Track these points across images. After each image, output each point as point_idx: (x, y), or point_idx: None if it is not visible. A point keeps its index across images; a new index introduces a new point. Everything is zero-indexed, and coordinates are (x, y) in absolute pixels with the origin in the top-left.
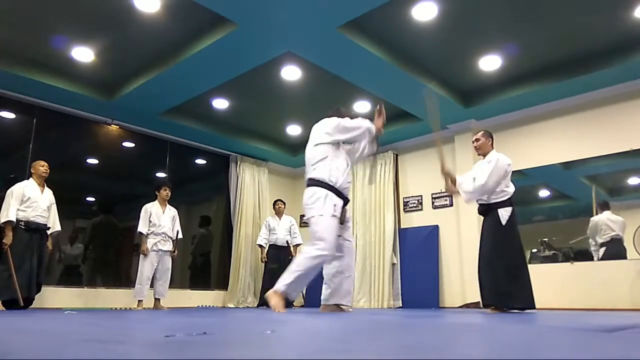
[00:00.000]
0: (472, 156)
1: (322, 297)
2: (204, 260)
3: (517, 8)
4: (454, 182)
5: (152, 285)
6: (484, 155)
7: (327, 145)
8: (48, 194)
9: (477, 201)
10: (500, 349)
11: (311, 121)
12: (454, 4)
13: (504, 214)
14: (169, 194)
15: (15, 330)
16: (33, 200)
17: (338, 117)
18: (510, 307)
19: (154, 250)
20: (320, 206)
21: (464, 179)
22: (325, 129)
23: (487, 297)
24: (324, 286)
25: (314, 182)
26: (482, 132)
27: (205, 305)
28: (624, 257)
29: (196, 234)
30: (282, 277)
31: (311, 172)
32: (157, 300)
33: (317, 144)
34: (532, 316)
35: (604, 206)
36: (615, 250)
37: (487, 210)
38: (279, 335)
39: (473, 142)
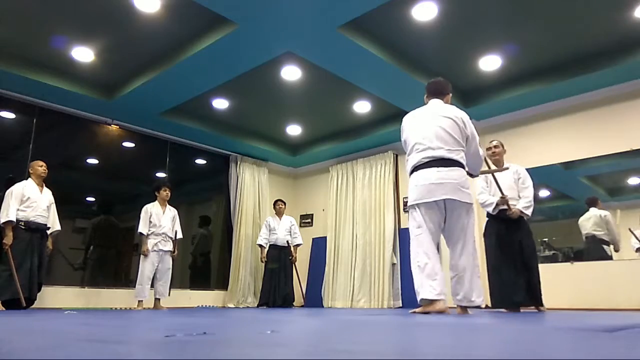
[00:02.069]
0: None
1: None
2: (203, 260)
3: (517, 8)
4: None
5: (152, 285)
6: (499, 164)
7: (464, 138)
8: (47, 194)
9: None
10: (501, 348)
11: (311, 121)
12: (454, 4)
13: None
14: (169, 194)
15: (15, 330)
16: (33, 200)
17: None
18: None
19: (154, 251)
20: (472, 194)
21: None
22: (467, 123)
23: (533, 298)
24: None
25: (461, 165)
26: (499, 141)
27: (205, 305)
28: (601, 257)
29: (196, 234)
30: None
31: (452, 154)
32: (157, 300)
33: (455, 128)
34: (533, 316)
35: (590, 203)
36: (587, 249)
37: (519, 218)
38: (279, 335)
39: (491, 149)
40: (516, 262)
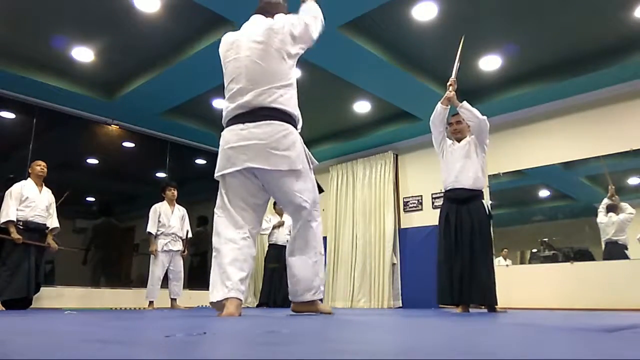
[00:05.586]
0: None
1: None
2: (203, 260)
3: (517, 8)
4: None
5: (164, 286)
6: (460, 141)
7: (293, 61)
8: (47, 194)
9: (457, 186)
10: (501, 348)
11: (311, 121)
12: (454, 4)
13: (486, 205)
14: (175, 193)
15: (15, 330)
16: (31, 200)
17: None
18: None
19: (164, 251)
20: (302, 153)
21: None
22: (284, 25)
23: (481, 296)
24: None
25: (281, 115)
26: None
27: (206, 305)
28: (621, 259)
29: (195, 234)
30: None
31: (263, 97)
32: (173, 300)
33: (284, 55)
34: (532, 316)
35: (610, 209)
36: (608, 252)
37: (470, 198)
38: (279, 335)
39: (452, 124)
40: (463, 252)
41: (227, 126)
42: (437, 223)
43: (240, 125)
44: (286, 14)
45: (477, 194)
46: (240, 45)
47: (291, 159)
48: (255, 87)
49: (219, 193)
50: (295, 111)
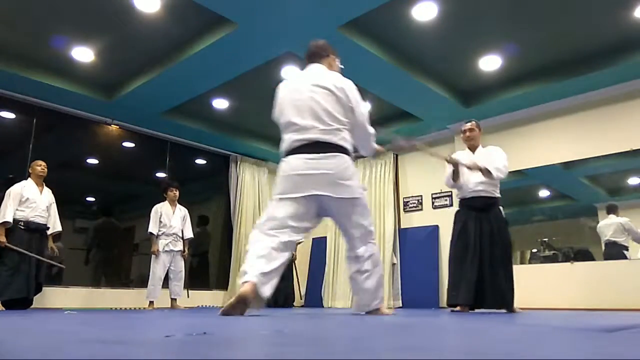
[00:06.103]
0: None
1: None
2: (203, 260)
3: (517, 8)
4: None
5: (164, 286)
6: (474, 148)
7: (349, 112)
8: (47, 194)
9: (477, 195)
10: (501, 348)
11: None
12: (454, 4)
13: (502, 210)
14: (177, 194)
15: (15, 330)
16: (32, 201)
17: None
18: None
19: (165, 251)
20: (359, 182)
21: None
22: (350, 91)
23: (497, 299)
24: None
25: (343, 150)
26: (475, 122)
27: (205, 305)
28: (620, 259)
29: (195, 234)
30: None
31: (328, 135)
32: (173, 300)
33: (333, 100)
34: (532, 316)
35: (609, 210)
36: (608, 253)
37: (488, 205)
38: (280, 335)
39: (466, 132)
40: (482, 257)
41: (289, 154)
42: (437, 223)
43: (308, 155)
44: (336, 55)
45: (495, 201)
46: (306, 89)
47: (352, 187)
48: (322, 125)
49: (269, 211)
50: (351, 148)
